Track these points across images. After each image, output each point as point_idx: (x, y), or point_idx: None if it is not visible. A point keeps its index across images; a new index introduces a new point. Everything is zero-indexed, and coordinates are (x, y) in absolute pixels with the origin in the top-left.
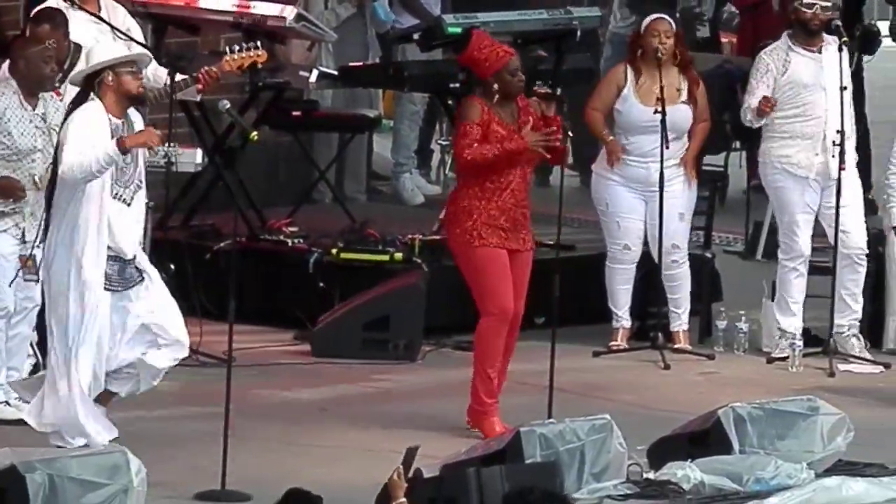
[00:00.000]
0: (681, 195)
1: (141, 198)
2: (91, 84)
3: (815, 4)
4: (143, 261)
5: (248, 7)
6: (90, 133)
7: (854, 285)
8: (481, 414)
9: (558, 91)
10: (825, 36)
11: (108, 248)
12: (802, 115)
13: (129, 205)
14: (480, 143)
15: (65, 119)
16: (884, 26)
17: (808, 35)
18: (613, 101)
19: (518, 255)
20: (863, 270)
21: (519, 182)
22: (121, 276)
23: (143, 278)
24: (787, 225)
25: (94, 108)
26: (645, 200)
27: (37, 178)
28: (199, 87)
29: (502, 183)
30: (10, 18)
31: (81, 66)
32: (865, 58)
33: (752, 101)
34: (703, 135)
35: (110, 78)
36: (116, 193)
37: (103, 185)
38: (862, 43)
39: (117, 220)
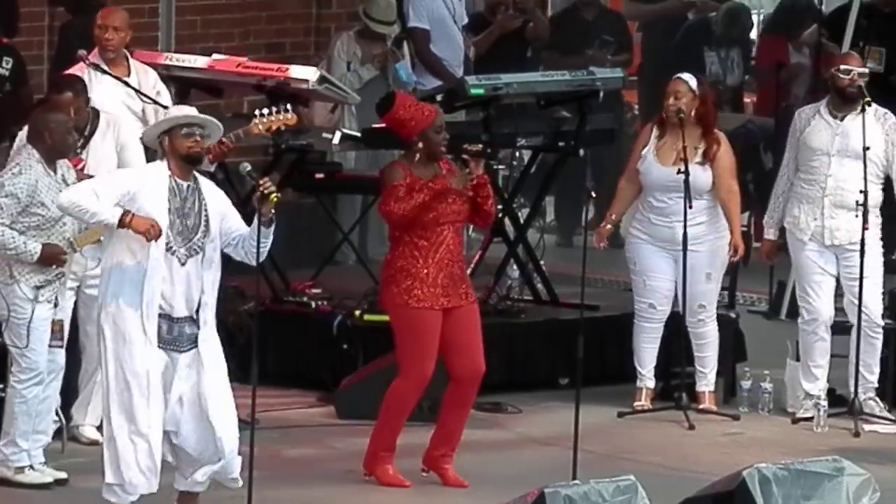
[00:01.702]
0: (708, 255)
1: (202, 263)
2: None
3: (851, 70)
4: (206, 331)
5: (271, 70)
6: (115, 183)
7: (869, 356)
8: (376, 462)
9: (580, 152)
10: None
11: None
12: (807, 179)
13: (182, 264)
14: (407, 197)
15: None
16: None
17: (843, 101)
18: (643, 148)
19: (460, 310)
20: (877, 342)
21: (453, 237)
22: (170, 334)
23: (193, 346)
24: (800, 288)
25: (152, 166)
26: (674, 260)
27: (72, 240)
28: (210, 157)
29: (437, 240)
30: (35, 82)
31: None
32: None
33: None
34: (733, 203)
35: (166, 142)
36: (172, 249)
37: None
38: None
39: (167, 278)
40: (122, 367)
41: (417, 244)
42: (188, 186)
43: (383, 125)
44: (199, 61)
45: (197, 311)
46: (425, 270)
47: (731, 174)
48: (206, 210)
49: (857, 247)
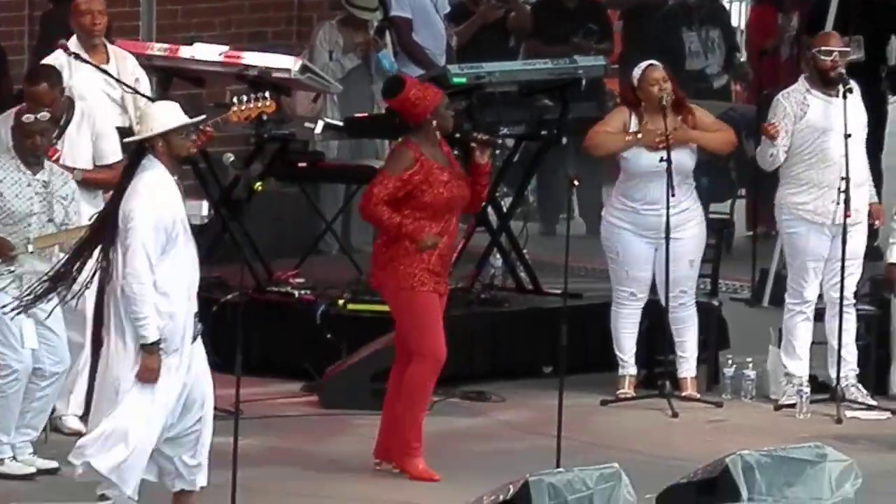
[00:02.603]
0: (692, 242)
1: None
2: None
3: (833, 51)
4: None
5: (239, 58)
6: (156, 235)
7: (847, 335)
8: (407, 455)
9: (563, 139)
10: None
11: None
12: (820, 162)
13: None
14: (389, 201)
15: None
16: None
17: (825, 83)
18: (624, 128)
19: (441, 299)
20: (853, 319)
21: (454, 228)
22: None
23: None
24: (797, 270)
25: (158, 176)
26: (655, 247)
27: (30, 239)
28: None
29: (442, 230)
30: (15, 73)
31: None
32: (892, 98)
33: (768, 147)
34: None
35: (161, 143)
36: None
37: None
38: (890, 83)
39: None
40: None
41: (424, 230)
42: (177, 181)
43: (365, 114)
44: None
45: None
46: (428, 257)
47: (719, 122)
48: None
49: (860, 225)
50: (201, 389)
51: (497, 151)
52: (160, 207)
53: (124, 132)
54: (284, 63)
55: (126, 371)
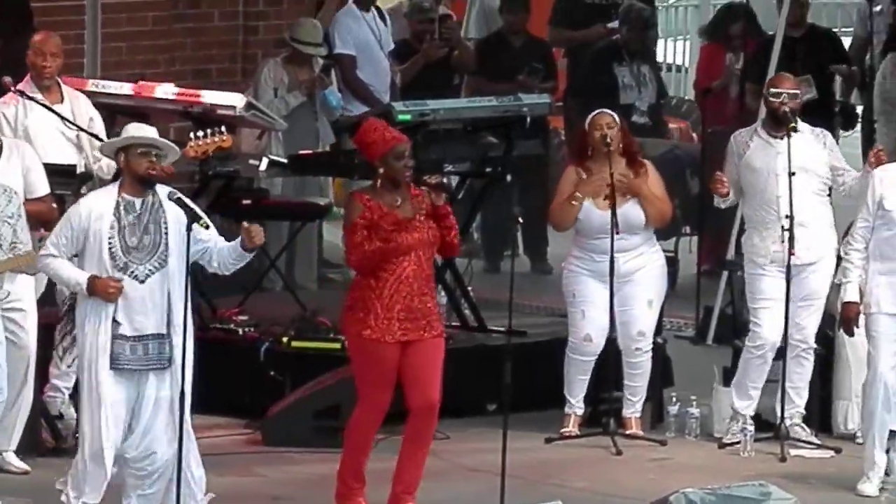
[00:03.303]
0: (651, 283)
1: (165, 278)
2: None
3: (782, 93)
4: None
5: (198, 96)
6: (67, 225)
7: (799, 379)
8: (347, 496)
9: (508, 177)
10: (802, 125)
11: (116, 323)
12: (760, 202)
13: (141, 282)
14: (364, 242)
15: None
16: None
17: (775, 123)
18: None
19: (420, 343)
20: (809, 365)
21: (414, 270)
22: (133, 353)
23: (166, 364)
24: (752, 312)
25: (104, 189)
26: (614, 292)
27: None
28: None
29: (395, 273)
30: None
31: None
32: (843, 133)
33: (717, 199)
34: (664, 206)
35: (122, 159)
36: (126, 268)
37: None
38: (842, 118)
39: (123, 297)
40: (91, 388)
41: (376, 275)
42: (143, 203)
43: (310, 152)
44: (125, 88)
45: (168, 327)
46: (380, 302)
47: (660, 190)
48: (165, 225)
49: (816, 265)
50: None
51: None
52: (78, 209)
53: (70, 170)
54: (229, 100)
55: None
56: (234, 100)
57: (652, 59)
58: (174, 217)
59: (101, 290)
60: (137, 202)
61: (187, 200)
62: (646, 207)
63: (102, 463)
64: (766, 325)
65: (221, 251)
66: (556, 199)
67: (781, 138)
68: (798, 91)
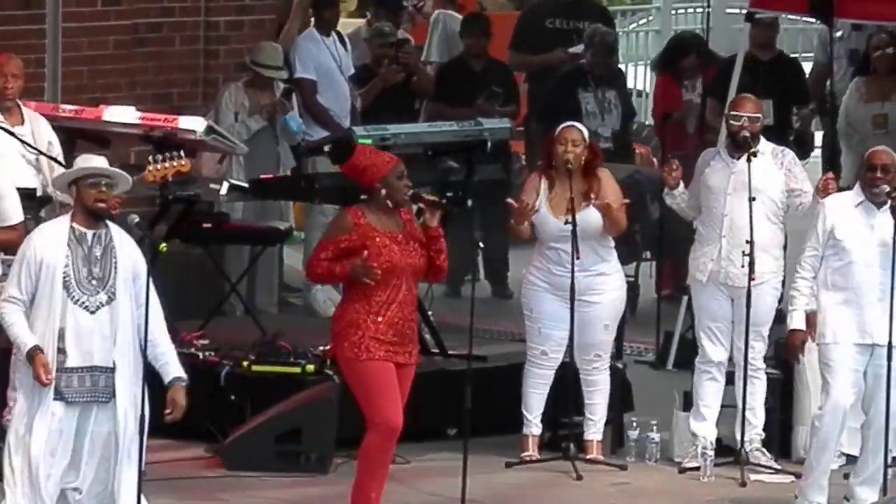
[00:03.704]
0: (609, 306)
1: (114, 310)
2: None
3: (742, 117)
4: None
5: (159, 120)
6: (19, 266)
7: (753, 399)
8: None
9: (468, 202)
10: (763, 145)
11: (62, 354)
12: (706, 220)
13: (92, 313)
14: (332, 261)
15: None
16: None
17: (735, 144)
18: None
19: (402, 368)
20: (761, 384)
21: (405, 295)
22: (82, 385)
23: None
24: (698, 329)
25: (52, 221)
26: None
27: None
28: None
29: (389, 297)
30: None
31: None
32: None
33: (668, 198)
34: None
35: (74, 190)
36: (77, 299)
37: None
38: (797, 147)
39: (71, 327)
40: (30, 418)
41: (370, 298)
42: (95, 235)
43: (270, 176)
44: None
45: (114, 360)
46: (374, 326)
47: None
48: (115, 257)
49: (762, 287)
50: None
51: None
52: (31, 244)
53: (30, 193)
54: (190, 124)
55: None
56: (194, 124)
57: (619, 83)
58: (125, 250)
59: (36, 368)
60: (89, 234)
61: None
62: (606, 221)
63: (41, 496)
64: (708, 343)
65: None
66: (515, 211)
67: (738, 159)
68: (759, 115)
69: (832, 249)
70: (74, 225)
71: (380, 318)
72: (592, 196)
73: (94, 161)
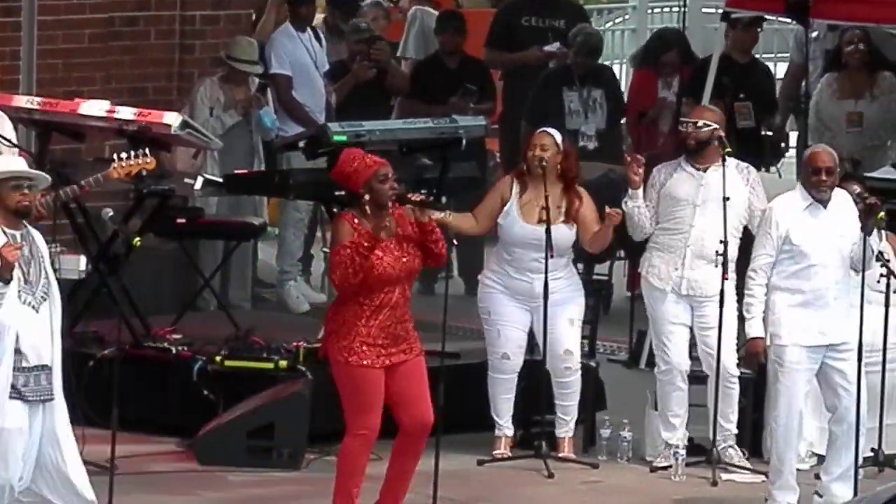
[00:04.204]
0: (568, 303)
1: (51, 308)
2: None
3: (689, 123)
4: (56, 382)
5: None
6: None
7: (726, 405)
8: None
9: (443, 199)
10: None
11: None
12: (671, 229)
13: (36, 311)
14: (349, 265)
15: None
16: None
17: (698, 154)
18: (496, 211)
19: (403, 365)
20: (733, 391)
21: (398, 299)
22: (26, 385)
23: (50, 397)
24: (656, 338)
25: None
26: (530, 312)
27: None
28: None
29: (381, 301)
30: None
31: None
32: (773, 169)
33: (630, 202)
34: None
35: None
36: (25, 299)
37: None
38: (771, 146)
39: (24, 327)
40: None
41: (361, 303)
42: (22, 235)
43: (245, 171)
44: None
45: (52, 357)
46: (365, 330)
47: (595, 226)
48: (41, 255)
49: (714, 298)
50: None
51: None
52: None
53: None
54: (165, 119)
55: None
56: (169, 118)
57: (608, 82)
58: (42, 246)
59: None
60: (17, 234)
61: None
62: (594, 237)
63: (4, 496)
64: (673, 351)
65: None
66: (478, 207)
67: (705, 171)
68: (712, 124)
69: (787, 254)
70: (4, 228)
71: (371, 323)
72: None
73: (13, 163)
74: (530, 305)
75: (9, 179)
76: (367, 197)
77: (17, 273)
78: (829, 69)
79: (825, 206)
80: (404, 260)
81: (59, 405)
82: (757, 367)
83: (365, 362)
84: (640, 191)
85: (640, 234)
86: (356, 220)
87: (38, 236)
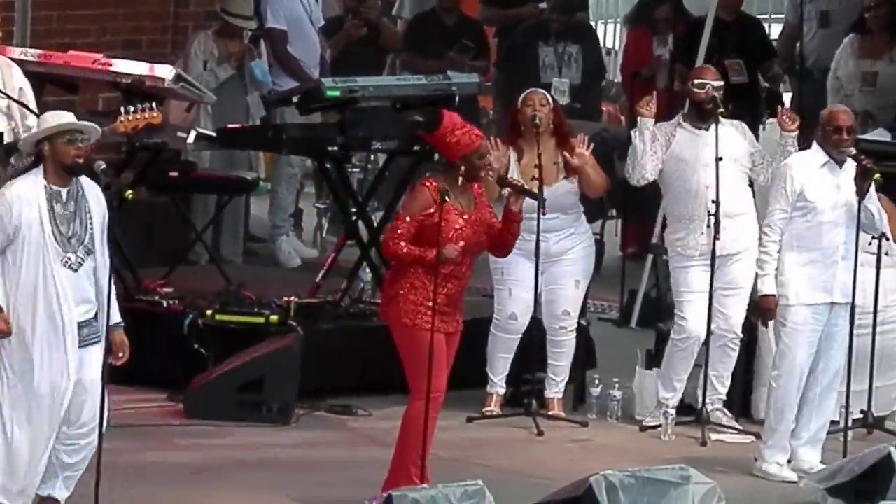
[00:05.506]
0: (579, 263)
1: (89, 269)
2: (40, 152)
3: (706, 84)
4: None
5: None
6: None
7: (724, 368)
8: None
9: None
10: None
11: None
12: (686, 195)
13: (75, 270)
14: (408, 240)
15: None
16: None
17: (700, 115)
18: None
19: (451, 336)
20: (734, 354)
21: (466, 271)
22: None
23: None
24: (677, 305)
25: (24, 179)
26: (542, 270)
27: None
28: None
29: (453, 272)
30: None
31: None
32: (770, 120)
33: (636, 135)
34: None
35: (47, 148)
36: (60, 258)
37: (44, 252)
38: (768, 104)
39: (63, 286)
40: (23, 381)
41: (437, 270)
42: (69, 192)
43: (238, 125)
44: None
45: (96, 313)
46: (436, 298)
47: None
48: (89, 213)
49: (742, 254)
50: (93, 398)
51: (351, 166)
52: (5, 201)
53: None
54: (158, 72)
55: None
56: (163, 71)
57: (585, 39)
58: (95, 202)
59: None
60: (64, 192)
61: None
62: (585, 180)
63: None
64: (693, 318)
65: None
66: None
67: (707, 129)
68: (720, 83)
69: (800, 211)
70: (49, 184)
71: (440, 291)
72: (570, 156)
73: (64, 117)
74: (543, 265)
75: (63, 133)
76: (463, 169)
77: (53, 230)
78: (851, 29)
79: (841, 167)
80: (477, 234)
81: (98, 356)
82: (766, 325)
83: (434, 326)
84: (650, 121)
85: (638, 175)
86: (437, 189)
87: (91, 191)
